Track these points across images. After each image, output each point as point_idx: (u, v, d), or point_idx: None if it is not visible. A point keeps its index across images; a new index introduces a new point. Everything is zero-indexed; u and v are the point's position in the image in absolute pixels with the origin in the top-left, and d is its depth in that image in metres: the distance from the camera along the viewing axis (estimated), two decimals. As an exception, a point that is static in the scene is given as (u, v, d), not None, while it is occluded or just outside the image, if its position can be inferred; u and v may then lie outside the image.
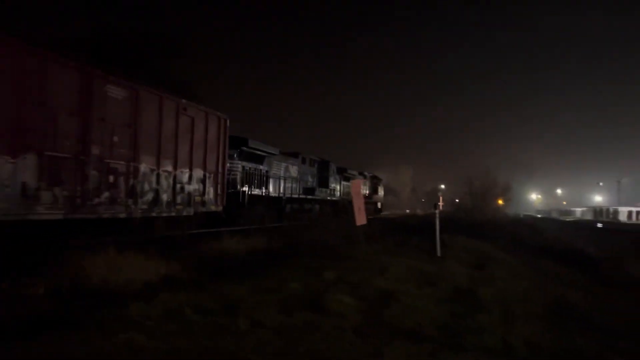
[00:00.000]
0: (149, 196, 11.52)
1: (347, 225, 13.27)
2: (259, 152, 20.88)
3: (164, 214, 12.08)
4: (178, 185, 12.62)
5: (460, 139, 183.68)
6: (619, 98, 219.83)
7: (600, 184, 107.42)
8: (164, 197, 12.05)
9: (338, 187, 31.59)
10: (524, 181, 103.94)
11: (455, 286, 8.11)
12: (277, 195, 22.83)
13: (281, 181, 23.19)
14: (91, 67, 9.86)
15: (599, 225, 46.65)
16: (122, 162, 10.56)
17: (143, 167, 11.26)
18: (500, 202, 47.23)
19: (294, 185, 24.52)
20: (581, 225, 47.01)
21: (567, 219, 69.93)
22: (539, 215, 76.58)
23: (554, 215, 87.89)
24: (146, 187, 11.39)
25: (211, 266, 7.81)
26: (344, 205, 29.57)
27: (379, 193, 44.45)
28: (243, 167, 19.43)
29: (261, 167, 21.39)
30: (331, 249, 10.69)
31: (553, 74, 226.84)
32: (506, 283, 9.31)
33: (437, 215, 12.93)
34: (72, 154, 9.26)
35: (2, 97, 8.08)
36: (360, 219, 11.95)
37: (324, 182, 28.65)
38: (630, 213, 70.40)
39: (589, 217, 78.72)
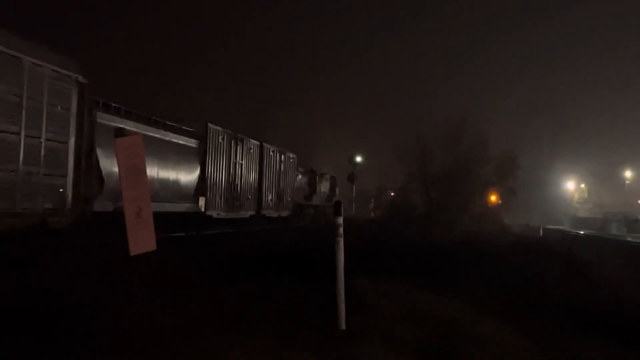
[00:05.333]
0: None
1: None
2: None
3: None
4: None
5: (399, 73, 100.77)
6: None
7: None
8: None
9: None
10: (545, 152, 59.73)
11: None
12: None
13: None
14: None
15: None
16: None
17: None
18: (493, 198, 26.07)
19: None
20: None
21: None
22: (582, 232, 35.21)
23: (616, 229, 39.37)
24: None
25: None
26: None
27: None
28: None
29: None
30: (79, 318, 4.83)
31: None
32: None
33: (340, 235, 5.19)
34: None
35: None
36: (140, 240, 5.57)
37: None
38: None
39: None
